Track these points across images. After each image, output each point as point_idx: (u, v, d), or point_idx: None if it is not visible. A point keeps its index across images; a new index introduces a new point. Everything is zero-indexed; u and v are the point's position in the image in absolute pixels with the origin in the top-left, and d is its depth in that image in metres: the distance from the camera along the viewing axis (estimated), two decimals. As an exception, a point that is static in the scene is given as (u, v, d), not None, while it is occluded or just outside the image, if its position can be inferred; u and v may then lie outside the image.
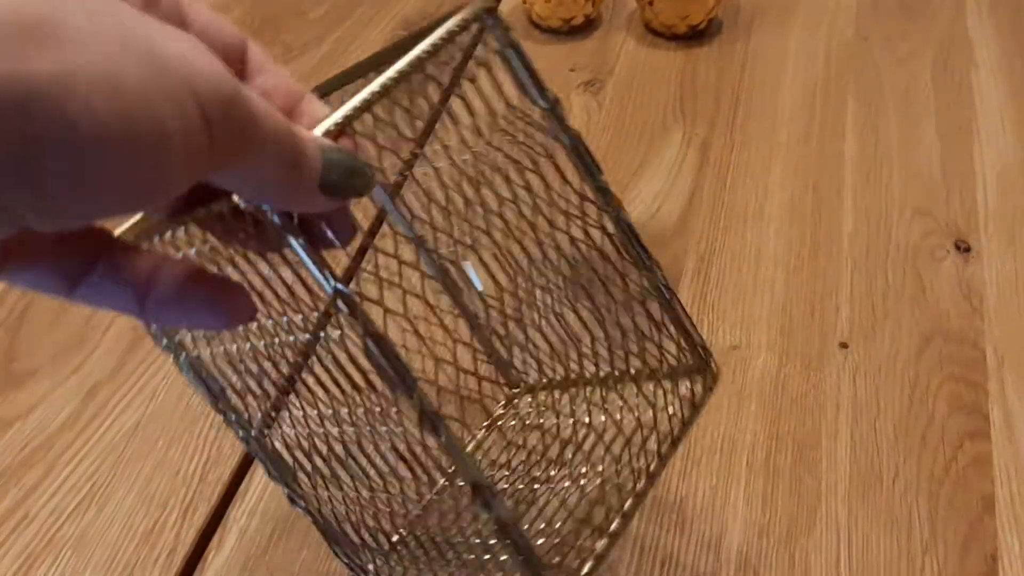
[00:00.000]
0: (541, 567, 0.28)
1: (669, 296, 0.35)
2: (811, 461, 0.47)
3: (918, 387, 0.50)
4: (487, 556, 0.35)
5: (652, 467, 0.34)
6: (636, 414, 0.36)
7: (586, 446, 0.39)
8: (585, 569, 0.31)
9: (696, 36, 0.75)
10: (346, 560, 0.36)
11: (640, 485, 0.33)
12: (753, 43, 0.75)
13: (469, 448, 0.44)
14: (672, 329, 0.36)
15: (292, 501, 0.35)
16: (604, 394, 0.40)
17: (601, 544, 0.32)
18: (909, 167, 0.64)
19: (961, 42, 0.76)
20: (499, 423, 0.45)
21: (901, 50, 0.75)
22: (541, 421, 0.42)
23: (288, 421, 0.34)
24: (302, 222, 0.26)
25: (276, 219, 0.25)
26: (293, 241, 0.25)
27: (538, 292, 0.39)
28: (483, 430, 0.45)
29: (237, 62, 0.25)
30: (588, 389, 0.41)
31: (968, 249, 0.58)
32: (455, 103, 0.34)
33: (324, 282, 0.25)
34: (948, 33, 0.77)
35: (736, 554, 0.43)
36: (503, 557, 0.34)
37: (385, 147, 0.31)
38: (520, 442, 0.42)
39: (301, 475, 0.34)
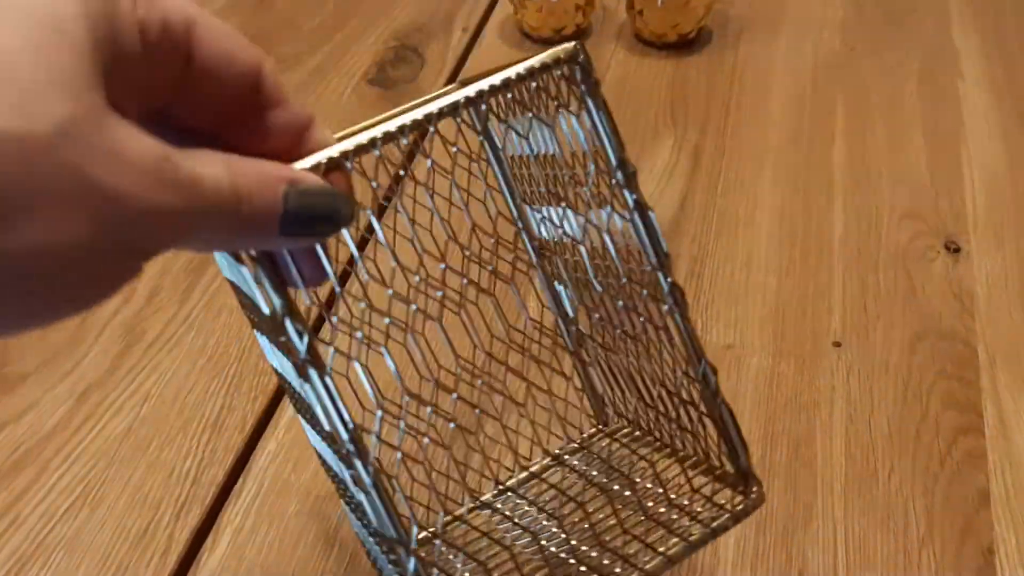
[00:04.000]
0: None
1: (718, 398, 0.33)
2: (806, 458, 0.47)
3: (911, 384, 0.50)
4: None
5: (649, 566, 0.33)
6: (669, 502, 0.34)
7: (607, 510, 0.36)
8: None
9: (686, 45, 0.76)
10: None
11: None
12: (742, 52, 0.76)
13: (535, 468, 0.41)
14: (711, 429, 0.34)
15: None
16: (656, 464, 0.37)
17: None
18: (897, 172, 0.65)
19: (946, 53, 0.77)
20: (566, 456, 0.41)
21: (887, 60, 0.76)
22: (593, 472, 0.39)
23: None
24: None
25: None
26: (244, 270, 0.26)
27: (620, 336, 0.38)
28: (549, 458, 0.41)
29: (249, 92, 0.24)
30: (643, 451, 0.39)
31: (958, 250, 0.58)
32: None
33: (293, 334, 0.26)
34: (933, 44, 0.78)
35: (733, 550, 0.43)
36: None
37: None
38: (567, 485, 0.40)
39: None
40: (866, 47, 0.77)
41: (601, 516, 0.36)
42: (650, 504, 0.35)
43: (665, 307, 0.33)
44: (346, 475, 0.28)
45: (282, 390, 0.51)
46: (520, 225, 0.40)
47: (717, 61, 0.75)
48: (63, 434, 0.48)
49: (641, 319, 0.34)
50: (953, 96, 0.72)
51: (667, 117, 0.70)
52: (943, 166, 0.65)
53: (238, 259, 0.26)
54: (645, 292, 0.33)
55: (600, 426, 0.43)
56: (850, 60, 0.76)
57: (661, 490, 0.34)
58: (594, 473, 0.40)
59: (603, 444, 0.42)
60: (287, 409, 0.49)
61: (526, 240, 0.40)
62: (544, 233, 0.39)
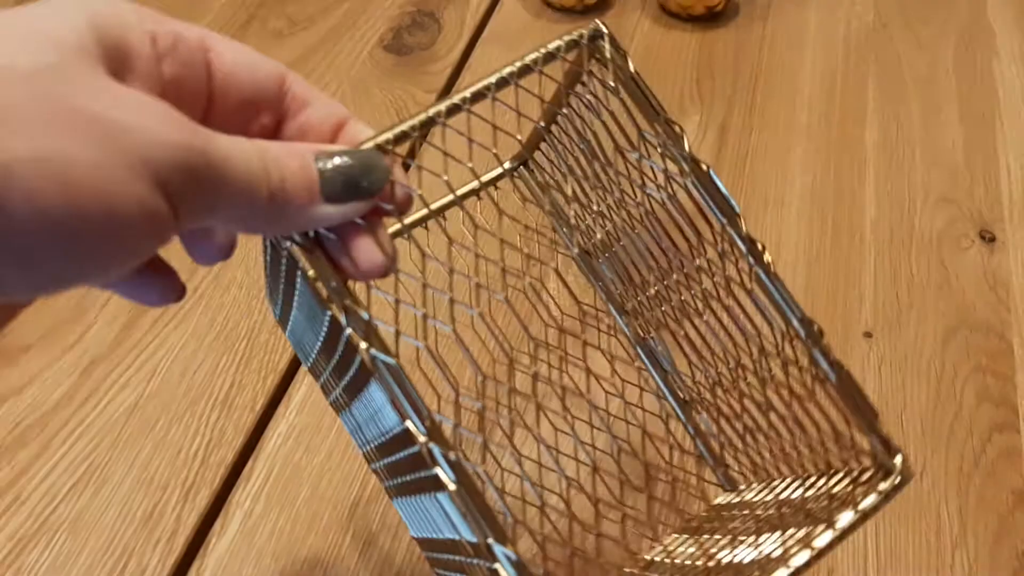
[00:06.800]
0: None
1: (839, 373, 0.29)
2: (836, 453, 0.45)
3: (944, 378, 0.48)
4: None
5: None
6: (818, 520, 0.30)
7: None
8: None
9: (713, 18, 0.73)
10: None
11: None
12: (771, 26, 0.74)
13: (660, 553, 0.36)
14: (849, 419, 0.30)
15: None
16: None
17: None
18: (932, 154, 0.62)
19: (982, 30, 0.74)
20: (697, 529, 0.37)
21: (921, 36, 0.73)
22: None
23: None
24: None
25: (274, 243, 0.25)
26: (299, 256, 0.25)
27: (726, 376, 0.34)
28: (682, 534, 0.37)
29: (273, 101, 0.25)
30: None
31: (993, 239, 0.56)
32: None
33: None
34: (968, 21, 0.75)
35: (760, 547, 0.41)
36: None
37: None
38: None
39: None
40: (899, 22, 0.75)
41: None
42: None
43: (748, 263, 0.29)
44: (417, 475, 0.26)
45: (293, 368, 0.49)
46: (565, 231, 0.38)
47: (745, 35, 0.73)
48: (66, 410, 0.47)
49: (717, 302, 0.31)
50: (988, 75, 0.69)
51: (693, 92, 0.67)
52: (978, 149, 0.63)
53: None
54: (714, 274, 0.30)
55: (730, 492, 0.39)
56: (883, 36, 0.73)
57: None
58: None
59: (743, 510, 0.37)
60: (299, 388, 0.48)
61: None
62: (597, 232, 0.37)
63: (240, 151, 0.22)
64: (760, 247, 0.28)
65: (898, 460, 0.29)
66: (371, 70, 0.69)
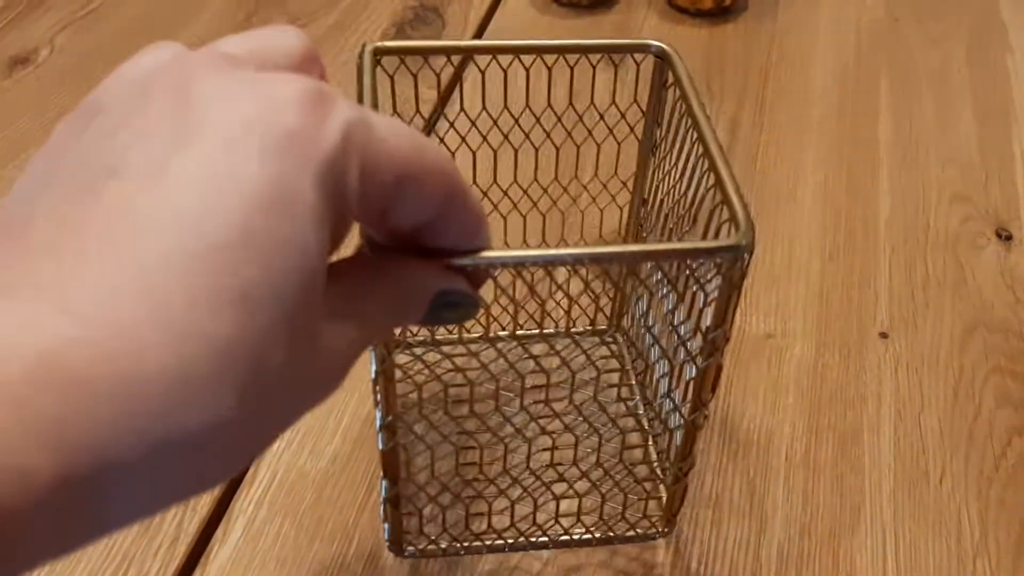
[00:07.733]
0: None
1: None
2: (853, 456, 0.44)
3: (963, 380, 0.47)
4: None
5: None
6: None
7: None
8: None
9: (722, 12, 0.72)
10: None
11: None
12: (781, 21, 0.72)
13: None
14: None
15: None
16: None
17: None
18: (946, 151, 0.61)
19: (995, 25, 0.73)
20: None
21: (933, 32, 0.72)
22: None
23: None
24: None
25: None
26: None
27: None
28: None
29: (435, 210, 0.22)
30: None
31: (1010, 237, 0.55)
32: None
33: None
34: (981, 16, 0.74)
35: (776, 554, 0.40)
36: None
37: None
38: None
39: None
40: (910, 17, 0.74)
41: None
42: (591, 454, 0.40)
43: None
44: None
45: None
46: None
47: (754, 30, 0.72)
48: (65, 413, 0.46)
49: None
50: (1003, 71, 0.68)
51: (703, 88, 0.66)
52: (993, 146, 0.62)
53: None
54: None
55: (612, 328, 0.49)
56: (894, 31, 0.72)
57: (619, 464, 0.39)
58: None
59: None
60: (302, 391, 0.47)
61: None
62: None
63: (376, 319, 0.22)
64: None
65: (666, 531, 0.41)
66: (375, 66, 0.68)
